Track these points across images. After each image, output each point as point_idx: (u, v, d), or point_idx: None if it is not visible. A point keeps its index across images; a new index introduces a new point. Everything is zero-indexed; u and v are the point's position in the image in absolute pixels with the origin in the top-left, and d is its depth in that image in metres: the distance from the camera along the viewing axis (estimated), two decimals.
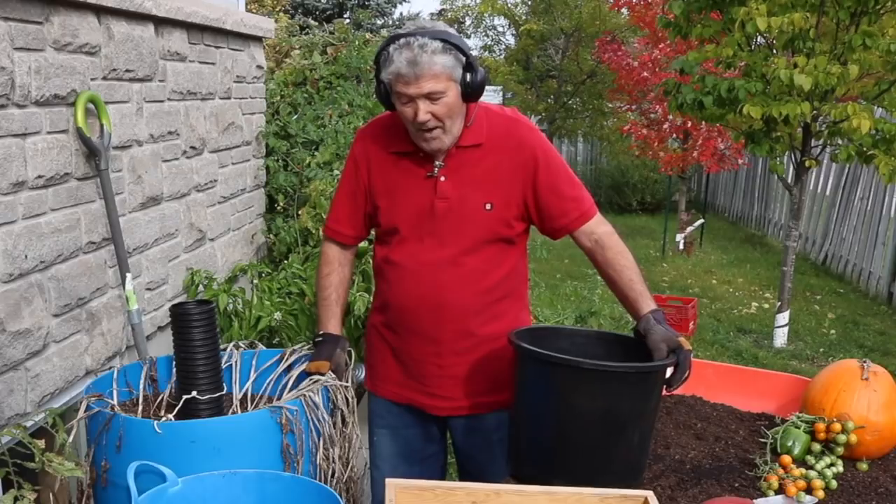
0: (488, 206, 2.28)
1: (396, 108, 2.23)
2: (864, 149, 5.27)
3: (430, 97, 2.14)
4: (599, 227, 2.34)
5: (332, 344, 2.49)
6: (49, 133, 2.74)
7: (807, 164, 5.55)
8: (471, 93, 2.20)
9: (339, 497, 2.09)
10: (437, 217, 2.28)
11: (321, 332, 2.52)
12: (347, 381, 2.62)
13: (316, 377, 2.59)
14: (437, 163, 2.28)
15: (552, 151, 2.36)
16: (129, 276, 3.08)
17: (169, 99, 3.64)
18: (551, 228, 2.37)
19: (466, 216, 2.28)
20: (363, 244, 2.93)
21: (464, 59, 2.16)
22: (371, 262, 2.83)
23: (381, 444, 2.54)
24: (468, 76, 2.17)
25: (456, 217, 2.28)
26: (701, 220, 9.88)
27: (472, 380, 2.36)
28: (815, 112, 5.21)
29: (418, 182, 2.30)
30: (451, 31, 2.20)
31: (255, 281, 4.10)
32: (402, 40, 2.12)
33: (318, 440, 2.44)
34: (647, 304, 2.23)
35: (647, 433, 2.04)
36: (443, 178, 2.28)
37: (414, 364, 2.40)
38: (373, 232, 2.54)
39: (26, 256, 2.61)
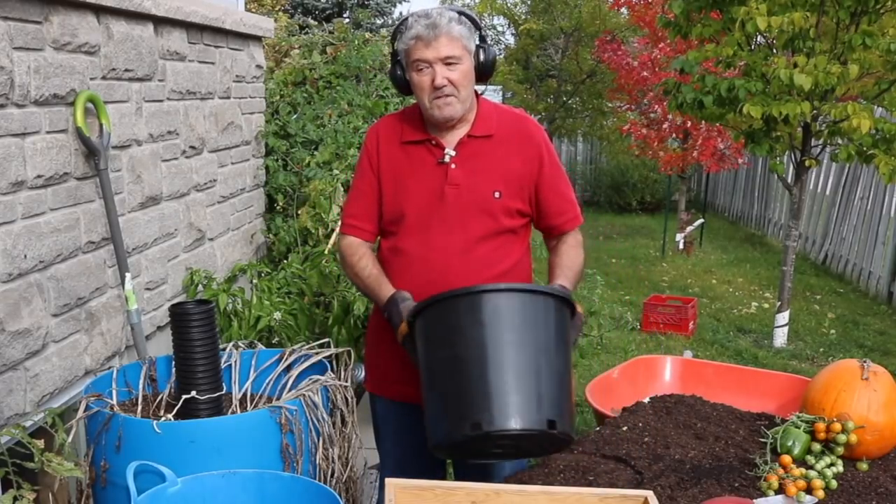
0: (497, 195, 2.32)
1: (412, 82, 2.30)
2: (864, 148, 5.26)
3: (447, 62, 2.23)
4: (579, 234, 2.47)
5: (395, 305, 2.27)
6: (48, 133, 2.74)
7: (807, 163, 5.55)
8: (483, 70, 2.31)
9: (338, 497, 2.09)
10: (446, 203, 2.32)
11: (385, 303, 2.31)
12: (347, 381, 2.62)
13: (315, 377, 2.59)
14: (448, 151, 2.33)
15: (554, 151, 2.45)
16: (128, 275, 3.08)
17: (168, 98, 3.64)
18: (546, 226, 2.44)
19: (475, 203, 2.32)
20: None
21: (477, 34, 2.30)
22: None
23: (388, 450, 2.51)
24: (481, 53, 2.30)
25: (465, 204, 2.32)
26: (701, 220, 9.87)
27: None
28: (814, 112, 5.20)
29: (429, 169, 2.34)
30: (467, 10, 2.34)
31: (255, 281, 4.10)
32: (422, 11, 2.27)
33: (318, 440, 2.44)
34: (560, 279, 2.31)
35: (558, 371, 2.02)
36: (454, 166, 2.32)
37: None
38: None
39: (25, 256, 2.61)
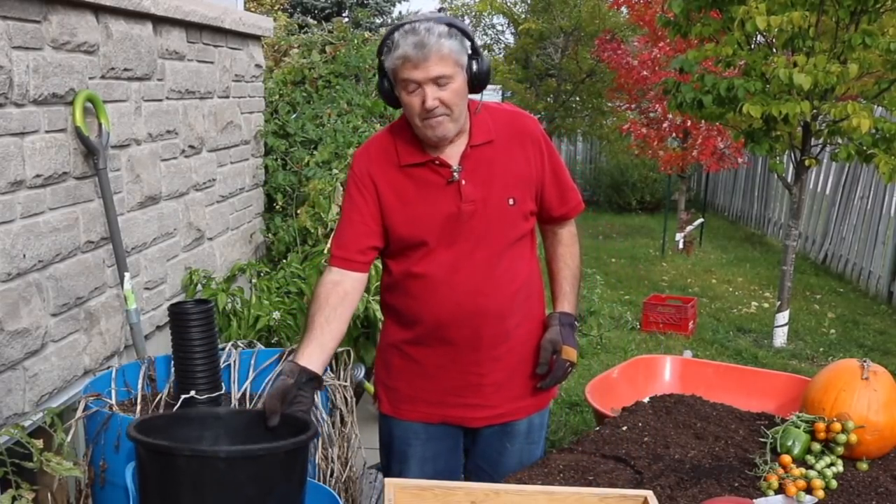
0: (511, 202, 2.26)
1: (401, 100, 2.17)
2: (864, 148, 5.26)
3: (438, 82, 2.09)
4: (573, 223, 2.46)
5: (281, 392, 2.01)
6: (47, 132, 2.74)
7: (806, 163, 5.55)
8: (477, 81, 2.18)
9: (337, 497, 2.09)
10: (464, 221, 2.22)
11: (292, 361, 2.12)
12: (346, 381, 2.62)
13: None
14: (454, 167, 2.22)
15: (550, 141, 2.39)
16: (127, 275, 3.08)
17: (167, 98, 3.64)
18: (550, 217, 2.39)
19: (493, 215, 2.24)
20: None
21: (469, 45, 2.15)
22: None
23: (406, 475, 2.35)
24: (474, 64, 2.16)
25: (483, 218, 2.23)
26: (700, 220, 9.87)
27: (511, 385, 2.33)
28: (814, 111, 5.20)
29: (439, 190, 2.23)
30: (456, 19, 2.19)
31: (254, 280, 4.10)
32: (408, 26, 2.10)
33: (317, 440, 2.44)
34: (563, 305, 2.36)
35: None
36: (464, 182, 2.22)
37: (450, 377, 2.30)
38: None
39: (24, 256, 2.61)
